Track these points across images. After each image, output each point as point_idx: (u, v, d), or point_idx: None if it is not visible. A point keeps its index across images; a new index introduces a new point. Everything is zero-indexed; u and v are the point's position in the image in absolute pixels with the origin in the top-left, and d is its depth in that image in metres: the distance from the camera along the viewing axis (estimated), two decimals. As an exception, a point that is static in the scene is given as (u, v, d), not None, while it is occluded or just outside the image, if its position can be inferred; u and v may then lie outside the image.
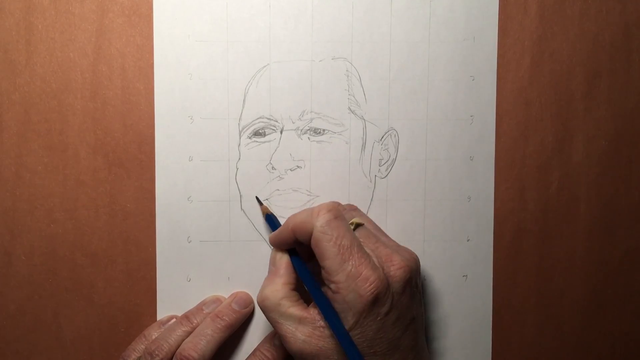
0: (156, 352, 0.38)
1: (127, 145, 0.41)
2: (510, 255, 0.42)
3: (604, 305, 0.43)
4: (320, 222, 0.35)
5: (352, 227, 0.36)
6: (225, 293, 0.42)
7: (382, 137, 0.42)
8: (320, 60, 0.41)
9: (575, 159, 0.42)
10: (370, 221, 0.40)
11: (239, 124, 0.41)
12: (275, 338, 0.41)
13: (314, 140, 0.41)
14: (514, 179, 0.42)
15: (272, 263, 0.39)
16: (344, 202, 0.41)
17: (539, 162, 0.42)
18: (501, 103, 0.42)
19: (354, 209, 0.41)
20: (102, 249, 0.41)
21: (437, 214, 0.42)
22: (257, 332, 0.42)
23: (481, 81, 0.42)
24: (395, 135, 0.42)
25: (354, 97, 0.41)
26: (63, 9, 0.40)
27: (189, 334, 0.39)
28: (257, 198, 0.41)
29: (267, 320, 0.42)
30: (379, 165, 0.42)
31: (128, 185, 0.41)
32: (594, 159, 0.42)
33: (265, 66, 0.41)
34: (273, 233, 0.39)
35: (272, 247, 0.39)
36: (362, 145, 0.42)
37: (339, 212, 0.36)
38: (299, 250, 0.38)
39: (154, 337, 0.40)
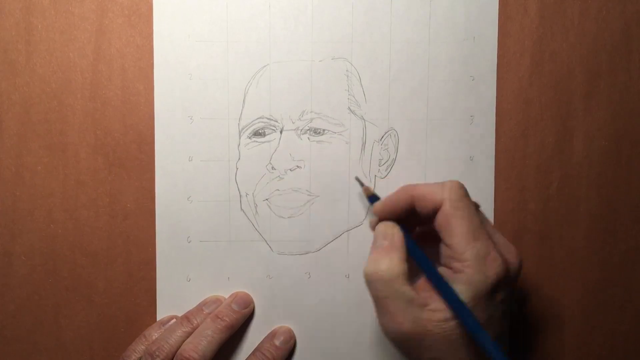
0: (157, 353, 0.38)
1: (127, 145, 0.41)
2: (510, 255, 0.42)
3: (604, 305, 0.43)
4: (454, 197, 0.34)
5: None
6: (225, 293, 0.42)
7: (382, 137, 0.42)
8: (320, 60, 0.41)
9: (575, 159, 0.42)
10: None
11: (238, 124, 0.41)
12: (276, 337, 0.41)
13: (314, 140, 0.41)
14: (514, 179, 0.42)
15: (383, 237, 0.36)
16: (344, 203, 0.41)
17: (539, 162, 0.42)
18: (501, 103, 0.42)
19: None
20: (102, 249, 0.41)
21: (437, 214, 0.42)
22: (257, 332, 0.42)
23: (481, 81, 0.42)
24: (395, 135, 0.42)
25: (354, 97, 0.41)
26: (63, 9, 0.40)
27: (189, 334, 0.39)
28: (357, 179, 0.41)
29: (266, 320, 0.42)
30: (379, 165, 0.42)
31: (128, 185, 0.41)
32: (594, 159, 0.42)
33: (265, 66, 0.41)
34: (382, 200, 0.37)
35: (373, 216, 0.38)
36: (362, 145, 0.42)
37: (467, 191, 0.35)
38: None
39: (154, 337, 0.40)
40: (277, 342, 0.41)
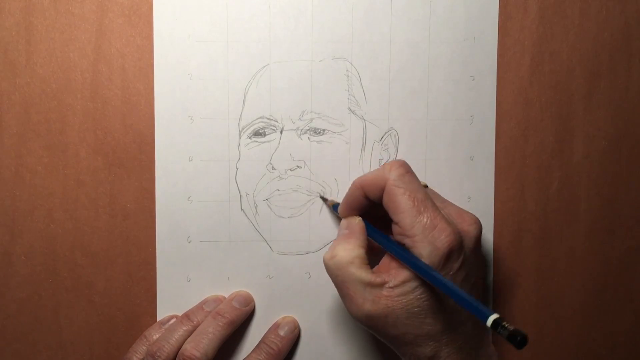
0: (158, 354, 0.38)
1: (127, 145, 0.41)
2: (510, 255, 0.42)
3: (604, 305, 0.43)
4: (393, 176, 0.34)
5: None
6: (225, 293, 0.42)
7: (382, 137, 0.42)
8: (320, 60, 0.41)
9: (575, 159, 0.42)
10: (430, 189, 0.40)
11: (239, 124, 0.41)
12: (280, 328, 0.41)
13: (314, 140, 0.41)
14: (514, 179, 0.42)
15: (345, 227, 0.37)
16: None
17: (539, 162, 0.42)
18: (501, 103, 0.42)
19: None
20: (102, 249, 0.41)
21: (437, 214, 0.42)
22: (257, 332, 0.42)
23: (481, 81, 0.42)
24: (395, 135, 0.42)
25: (354, 97, 0.41)
26: (63, 9, 0.40)
27: (190, 333, 0.39)
28: (320, 197, 0.41)
29: (266, 321, 0.42)
30: (379, 165, 0.42)
31: (128, 185, 0.41)
32: (594, 159, 0.42)
33: (265, 66, 0.41)
34: (342, 199, 0.38)
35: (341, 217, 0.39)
36: (362, 145, 0.42)
37: (410, 168, 0.36)
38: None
39: (154, 337, 0.40)
40: (281, 333, 0.40)
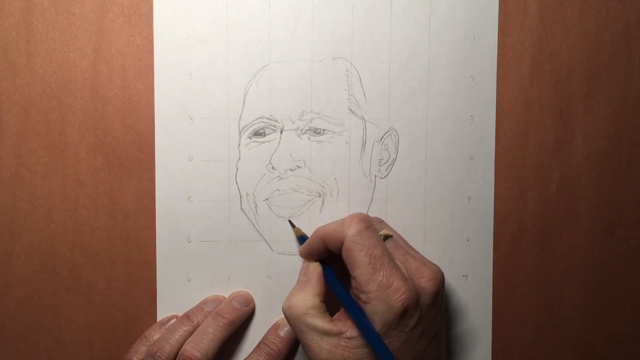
0: (158, 354, 0.38)
1: (127, 145, 0.41)
2: (510, 255, 0.42)
3: (604, 305, 0.43)
4: (351, 232, 0.35)
5: (381, 238, 0.37)
6: (225, 293, 0.42)
7: (382, 137, 0.42)
8: (320, 60, 0.41)
9: (575, 159, 0.42)
10: (397, 234, 0.40)
11: (239, 124, 0.41)
12: (280, 328, 0.41)
13: (314, 140, 0.41)
14: (514, 179, 0.42)
15: (303, 273, 0.39)
16: (344, 203, 0.41)
17: (539, 162, 0.42)
18: (501, 103, 0.42)
19: (381, 221, 0.41)
20: (102, 249, 0.41)
21: (437, 214, 0.42)
22: (257, 332, 0.42)
23: (481, 81, 0.42)
24: (395, 135, 0.42)
25: (354, 97, 0.41)
26: (63, 9, 0.40)
27: (190, 333, 0.39)
28: (290, 221, 0.41)
29: (267, 321, 0.42)
30: (379, 165, 0.42)
31: (128, 185, 0.41)
32: (594, 159, 0.42)
33: (265, 66, 0.41)
34: (303, 244, 0.39)
35: (303, 259, 0.40)
36: (362, 145, 0.42)
37: (370, 223, 0.36)
38: (329, 263, 0.39)
39: (155, 338, 0.40)
40: (281, 333, 0.41)
